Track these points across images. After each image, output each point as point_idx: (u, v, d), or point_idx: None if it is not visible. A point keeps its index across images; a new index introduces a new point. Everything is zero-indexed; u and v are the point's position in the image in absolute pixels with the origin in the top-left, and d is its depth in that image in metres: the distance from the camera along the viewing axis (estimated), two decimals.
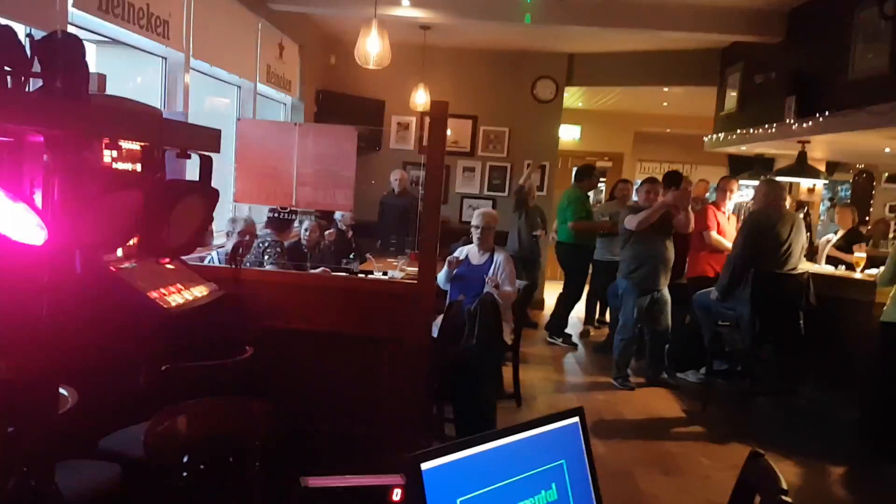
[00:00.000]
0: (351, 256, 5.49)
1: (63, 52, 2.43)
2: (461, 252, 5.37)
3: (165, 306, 3.07)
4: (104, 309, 2.91)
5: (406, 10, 6.54)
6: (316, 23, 8.09)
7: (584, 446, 1.61)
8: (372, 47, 4.93)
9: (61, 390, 2.25)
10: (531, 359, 6.77)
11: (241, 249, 4.06)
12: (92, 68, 2.60)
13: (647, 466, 4.48)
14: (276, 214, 4.79)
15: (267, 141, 3.74)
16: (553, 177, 9.41)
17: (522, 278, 6.05)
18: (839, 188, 9.53)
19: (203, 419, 2.64)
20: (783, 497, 1.53)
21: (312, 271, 4.82)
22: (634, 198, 7.71)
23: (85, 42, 3.57)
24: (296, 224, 5.60)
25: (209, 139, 2.82)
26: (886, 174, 6.37)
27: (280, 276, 4.09)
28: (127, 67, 5.07)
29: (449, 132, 9.15)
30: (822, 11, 5.92)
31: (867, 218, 8.28)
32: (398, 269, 5.50)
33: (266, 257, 4.44)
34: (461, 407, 4.33)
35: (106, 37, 4.27)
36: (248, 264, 4.39)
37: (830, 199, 9.37)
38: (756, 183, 9.00)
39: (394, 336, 3.72)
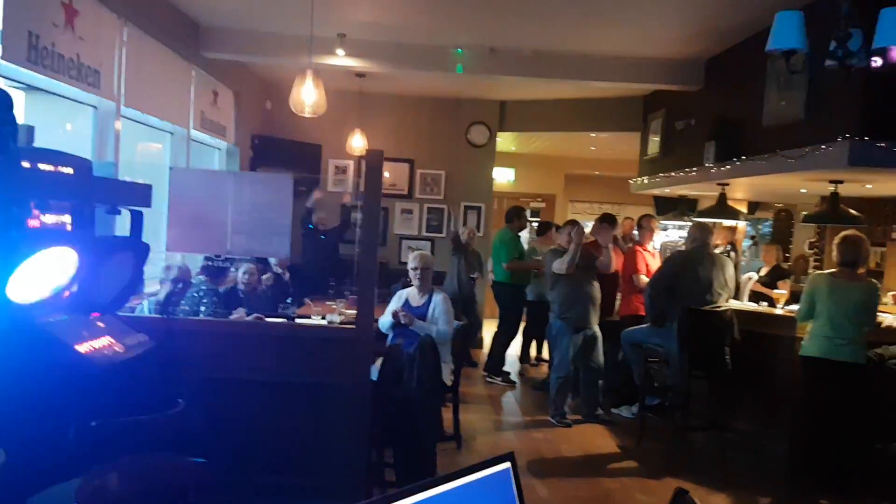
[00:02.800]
0: (288, 301, 5.45)
1: None
2: (400, 297, 5.40)
3: (94, 360, 3.01)
4: (32, 364, 2.84)
5: (341, 60, 6.66)
6: (251, 69, 8.13)
7: (515, 492, 1.64)
8: (307, 96, 5.00)
9: None
10: (470, 399, 6.80)
11: (173, 298, 4.00)
12: (20, 117, 2.57)
13: (585, 503, 4.55)
14: (211, 262, 4.75)
15: (201, 189, 3.74)
16: (489, 218, 9.60)
17: (461, 319, 6.12)
18: (760, 227, 10.00)
19: (135, 476, 2.58)
20: None
21: (247, 318, 4.77)
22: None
23: (13, 89, 3.52)
24: (232, 269, 5.55)
25: (140, 194, 2.81)
26: (804, 213, 6.73)
27: (214, 324, 4.05)
28: (56, 115, 5.00)
29: (387, 174, 9.36)
30: (737, 61, 6.30)
31: (788, 254, 8.70)
32: (336, 313, 5.49)
33: (202, 307, 4.38)
34: (401, 451, 4.32)
35: (39, 89, 4.22)
36: (181, 314, 4.33)
37: (752, 238, 9.81)
38: (679, 222, 9.42)
39: (332, 382, 3.71)
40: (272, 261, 6.73)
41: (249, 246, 3.76)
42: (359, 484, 3.80)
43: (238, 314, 4.78)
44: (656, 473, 5.14)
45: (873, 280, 4.84)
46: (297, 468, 3.66)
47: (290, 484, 3.60)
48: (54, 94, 4.43)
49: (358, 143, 8.00)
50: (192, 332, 3.64)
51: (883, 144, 4.26)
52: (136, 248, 2.71)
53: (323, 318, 5.40)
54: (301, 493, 3.59)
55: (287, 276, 6.90)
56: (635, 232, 8.28)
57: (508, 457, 1.66)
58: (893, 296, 5.85)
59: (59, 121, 5.05)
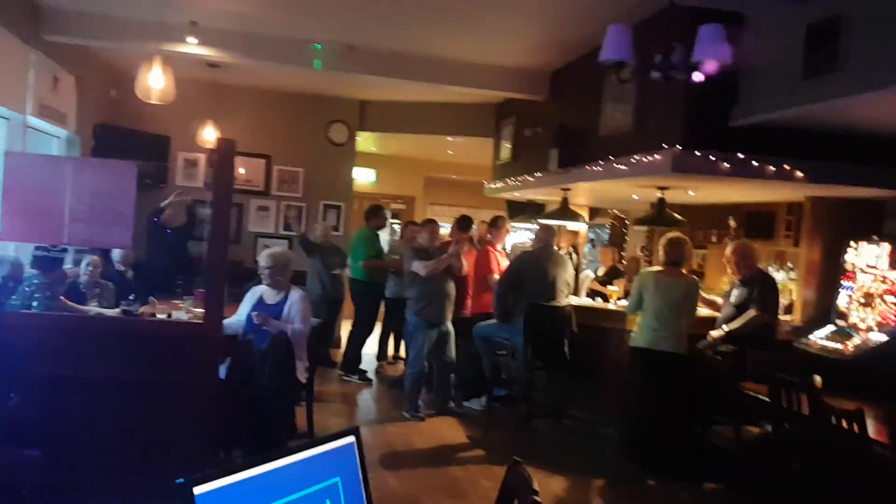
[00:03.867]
0: (131, 298, 5.21)
1: None
2: (254, 294, 5.32)
3: None
4: None
5: (193, 49, 6.46)
6: (96, 55, 7.70)
7: (359, 465, 1.72)
8: (155, 82, 4.83)
9: None
10: (326, 397, 6.82)
11: (4, 291, 3.76)
12: None
13: (434, 493, 4.71)
14: (44, 253, 4.45)
15: (38, 175, 3.54)
16: (349, 217, 9.62)
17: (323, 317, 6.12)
18: (601, 231, 10.71)
19: None
20: (535, 498, 1.76)
21: (88, 313, 4.55)
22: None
23: None
24: (67, 264, 5.25)
25: None
26: (636, 218, 7.32)
27: (49, 319, 3.84)
28: None
29: (242, 170, 9.14)
30: (579, 74, 6.75)
31: (622, 256, 9.39)
32: (184, 311, 5.33)
33: (34, 301, 4.12)
34: (251, 451, 4.28)
35: None
36: (10, 308, 4.06)
37: (591, 241, 10.50)
38: (528, 225, 9.91)
39: (177, 380, 3.62)
40: (116, 257, 6.42)
41: (89, 236, 3.59)
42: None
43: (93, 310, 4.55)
44: (502, 461, 5.34)
45: (694, 277, 5.35)
46: (141, 468, 3.54)
47: (133, 485, 3.48)
48: None
49: (210, 135, 7.78)
50: (25, 326, 3.44)
51: (699, 154, 4.73)
52: None
53: (169, 315, 5.23)
54: (145, 494, 3.48)
55: (130, 273, 6.61)
56: (489, 235, 8.64)
57: (354, 431, 1.75)
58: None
59: None
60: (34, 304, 4.13)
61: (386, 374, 8.14)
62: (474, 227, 7.73)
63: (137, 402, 3.61)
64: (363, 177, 11.72)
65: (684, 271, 5.32)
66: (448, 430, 6.12)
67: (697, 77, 3.26)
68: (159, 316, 5.08)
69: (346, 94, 9.28)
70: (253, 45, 6.81)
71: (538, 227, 6.54)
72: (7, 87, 5.71)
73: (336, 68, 7.07)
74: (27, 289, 4.18)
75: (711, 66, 3.21)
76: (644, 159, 5.02)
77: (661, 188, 5.98)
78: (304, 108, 9.33)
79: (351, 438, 1.74)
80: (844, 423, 3.54)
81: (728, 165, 4.71)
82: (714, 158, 4.70)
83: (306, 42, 6.80)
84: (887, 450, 3.42)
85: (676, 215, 6.27)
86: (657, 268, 5.41)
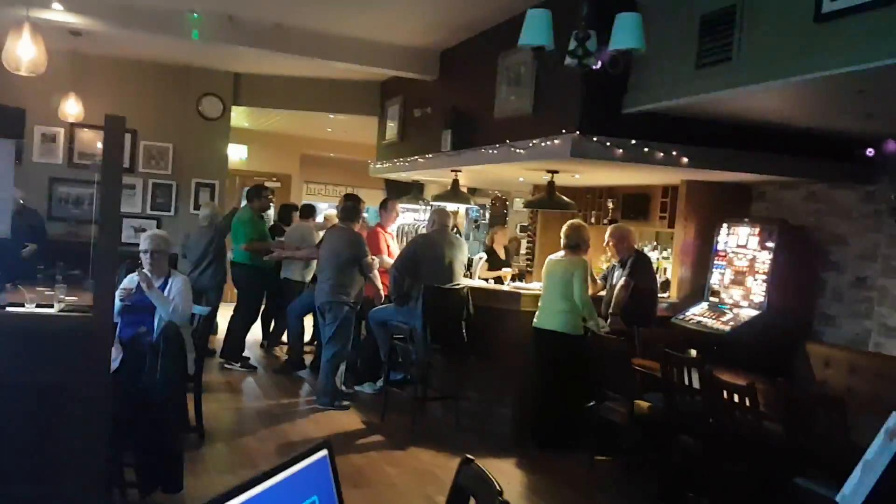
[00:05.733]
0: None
1: None
2: (130, 280, 4.94)
3: None
4: None
5: (59, 15, 5.86)
6: None
7: (333, 479, 1.63)
8: (24, 52, 4.32)
9: None
10: (210, 387, 6.47)
11: None
12: None
13: None
14: None
15: None
16: (224, 196, 9.16)
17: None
18: (483, 211, 10.90)
19: None
20: (500, 498, 1.72)
21: None
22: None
23: None
24: None
25: None
26: (525, 200, 7.49)
27: None
28: None
29: (100, 144, 8.41)
30: (470, 55, 6.75)
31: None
32: (56, 301, 4.85)
33: None
34: (143, 449, 3.99)
35: None
36: None
37: (475, 221, 10.65)
38: (413, 206, 9.89)
39: (62, 380, 3.30)
40: None
41: None
42: (97, 486, 3.44)
43: None
44: (401, 445, 5.40)
45: (583, 258, 5.53)
46: (27, 476, 3.21)
47: (20, 493, 3.15)
48: None
49: (72, 108, 7.12)
50: None
51: (596, 139, 4.88)
52: None
53: (38, 305, 4.74)
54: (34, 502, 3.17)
55: None
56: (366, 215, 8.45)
57: (326, 444, 1.65)
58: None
59: None
60: None
61: (268, 360, 7.88)
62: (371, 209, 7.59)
63: (21, 406, 3.25)
64: (234, 153, 11.20)
65: (582, 253, 5.50)
66: (343, 417, 6.02)
67: (614, 65, 3.30)
68: (28, 306, 4.60)
69: (220, 66, 8.80)
70: (125, 13, 6.26)
71: (434, 210, 6.52)
72: None
73: (214, 40, 6.66)
74: None
75: (627, 55, 3.27)
76: (543, 144, 5.10)
77: (552, 171, 6.13)
78: (173, 80, 8.76)
79: (324, 452, 1.65)
80: (736, 398, 3.79)
81: (622, 151, 4.89)
82: (609, 144, 4.86)
83: (182, 11, 6.34)
84: (777, 424, 3.70)
85: (565, 198, 6.45)
86: (559, 252, 5.56)
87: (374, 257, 6.44)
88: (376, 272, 6.33)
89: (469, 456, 2.01)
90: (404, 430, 5.69)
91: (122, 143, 3.47)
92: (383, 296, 6.45)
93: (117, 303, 4.70)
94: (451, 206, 8.48)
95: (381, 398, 6.19)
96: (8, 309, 4.35)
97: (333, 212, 7.79)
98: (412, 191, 9.19)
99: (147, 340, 4.36)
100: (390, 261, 6.51)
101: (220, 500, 1.27)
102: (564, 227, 5.50)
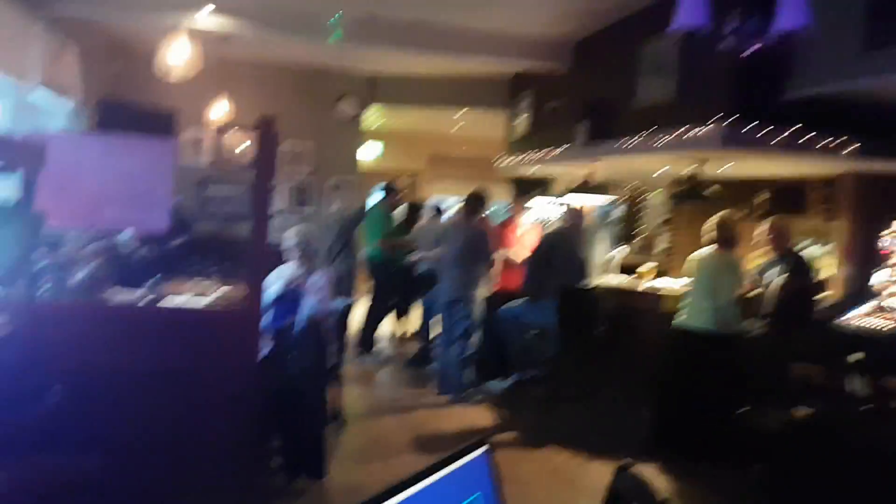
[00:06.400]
0: (157, 277, 5.01)
1: None
2: (279, 272, 5.12)
3: None
4: None
5: (208, 21, 6.17)
6: (101, 27, 7.37)
7: (493, 476, 1.57)
8: (178, 58, 4.56)
9: None
10: (345, 377, 6.65)
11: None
12: None
13: None
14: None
15: (69, 156, 3.30)
16: (357, 193, 9.39)
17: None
18: (607, 205, 10.49)
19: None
20: None
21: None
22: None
23: None
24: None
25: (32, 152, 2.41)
26: (673, 193, 7.11)
27: (79, 307, 3.62)
28: None
29: (244, 146, 8.84)
30: (609, 43, 6.51)
31: (638, 232, 9.23)
32: (210, 293, 5.12)
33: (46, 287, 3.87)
34: (291, 436, 4.13)
35: None
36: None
37: (609, 216, 10.28)
38: (544, 201, 9.70)
39: (212, 368, 3.44)
40: (127, 237, 6.15)
41: (126, 218, 3.38)
42: (244, 470, 3.57)
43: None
44: (534, 444, 5.28)
45: (736, 254, 5.19)
46: (179, 458, 3.37)
47: (172, 475, 3.31)
48: None
49: (219, 111, 7.51)
50: (56, 317, 3.23)
51: (751, 127, 4.54)
52: (25, 217, 2.32)
53: (195, 296, 5.02)
54: (182, 483, 3.32)
55: (144, 251, 6.35)
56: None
57: (483, 442, 1.58)
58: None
59: None
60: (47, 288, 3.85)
61: (402, 353, 7.98)
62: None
63: (174, 395, 3.42)
64: (368, 152, 11.47)
65: (735, 250, 5.16)
66: (472, 413, 5.97)
67: (775, 47, 3.04)
68: (185, 296, 4.88)
69: (357, 67, 9.01)
70: (270, 17, 6.52)
71: (567, 207, 6.36)
72: (12, 58, 5.42)
73: (353, 39, 6.80)
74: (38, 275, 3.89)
75: (790, 35, 3.00)
76: (690, 132, 4.82)
77: (699, 163, 5.78)
78: (313, 81, 9.08)
79: (484, 449, 1.58)
80: None
81: (781, 139, 4.53)
82: (766, 132, 4.51)
83: (323, 13, 6.52)
84: None
85: (712, 191, 6.07)
86: (708, 248, 5.25)
87: (500, 252, 6.38)
88: (498, 268, 6.26)
89: (629, 460, 1.89)
90: (536, 429, 5.57)
91: (274, 143, 3.57)
92: (509, 291, 6.35)
93: (267, 295, 4.92)
94: (584, 201, 8.26)
95: (512, 395, 6.10)
96: (162, 302, 4.63)
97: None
98: (541, 186, 9.01)
99: (292, 332, 4.49)
100: (518, 257, 6.42)
101: (384, 496, 1.24)
102: (715, 221, 5.15)
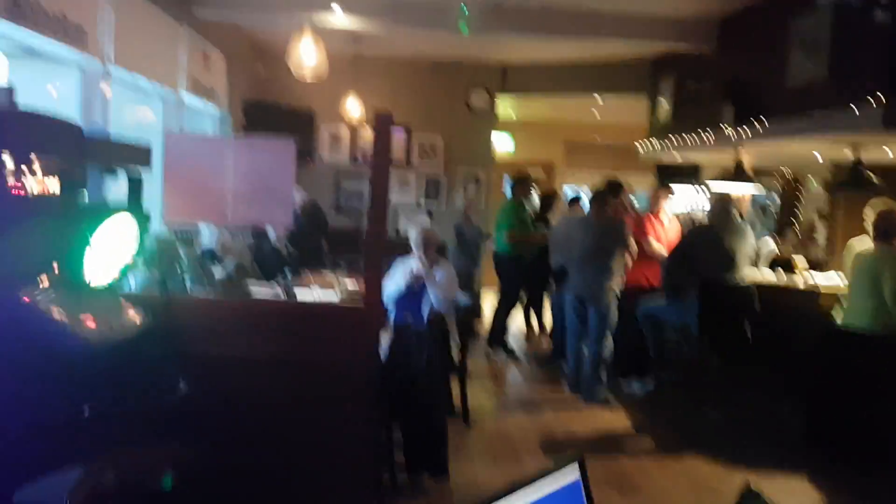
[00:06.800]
0: (286, 272, 5.19)
1: None
2: (404, 265, 5.14)
3: (87, 338, 2.76)
4: (15, 343, 2.59)
5: (337, 18, 6.30)
6: (243, 31, 7.76)
7: (586, 499, 1.43)
8: (307, 57, 4.67)
9: None
10: (472, 374, 6.59)
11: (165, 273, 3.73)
12: (3, 82, 2.28)
13: (602, 486, 4.34)
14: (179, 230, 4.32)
15: (198, 156, 3.45)
16: (489, 186, 9.32)
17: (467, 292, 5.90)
18: (760, 196, 9.74)
19: (123, 469, 2.34)
20: None
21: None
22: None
23: None
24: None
25: (138, 155, 2.52)
26: (835, 183, 6.49)
27: (210, 302, 3.77)
28: (38, 79, 4.64)
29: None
30: (756, 20, 6.01)
31: (795, 222, 8.49)
32: (338, 285, 5.23)
33: (188, 283, 4.08)
34: (411, 432, 4.11)
35: (16, 42, 3.87)
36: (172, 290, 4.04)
37: (763, 207, 9.56)
38: (689, 190, 9.17)
39: (338, 360, 3.48)
40: (272, 233, 6.44)
41: (251, 215, 3.49)
42: (367, 463, 3.59)
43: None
44: (673, 450, 4.97)
45: None
46: (303, 448, 3.43)
47: (296, 465, 3.38)
48: (38, 53, 4.09)
49: (353, 108, 7.68)
50: (189, 309, 3.38)
51: None
52: (135, 217, 2.43)
53: (322, 289, 5.15)
54: (305, 475, 3.38)
55: (287, 249, 6.62)
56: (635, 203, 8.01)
57: (577, 459, 1.44)
58: None
59: (41, 87, 4.69)
60: (188, 284, 4.08)
61: (533, 350, 7.83)
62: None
63: (298, 385, 3.50)
64: (500, 144, 11.38)
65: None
66: (607, 414, 5.72)
67: None
68: (314, 289, 5.01)
69: (487, 57, 8.92)
70: (396, 11, 6.56)
71: (714, 197, 5.94)
72: (161, 64, 5.78)
73: (482, 29, 6.70)
74: (180, 271, 4.13)
75: None
76: (845, 113, 4.32)
77: (854, 147, 5.21)
78: (443, 75, 9.07)
79: (576, 473, 1.43)
80: None
81: None
82: None
83: (450, 4, 6.47)
84: None
85: (874, 177, 5.46)
86: (867, 243, 4.72)
87: (638, 245, 6.04)
88: (635, 262, 5.91)
89: (753, 489, 1.66)
90: (676, 435, 5.24)
91: (389, 138, 3.54)
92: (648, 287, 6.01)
93: (392, 289, 4.96)
94: (733, 190, 7.71)
95: (649, 397, 5.79)
96: (294, 295, 4.78)
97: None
98: (687, 174, 8.51)
99: (413, 327, 4.48)
100: (657, 245, 6.05)
101: None
102: (876, 213, 4.61)
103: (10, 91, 2.64)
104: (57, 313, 2.78)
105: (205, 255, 4.46)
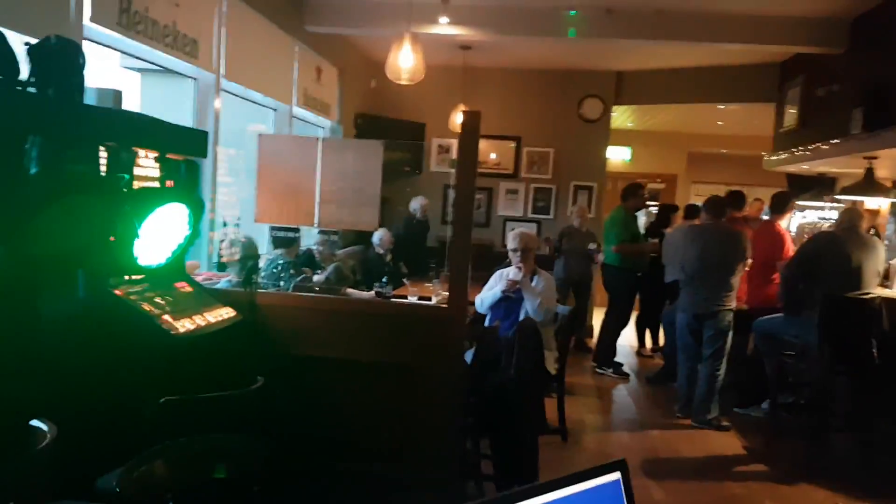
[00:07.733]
0: (384, 280, 5.22)
1: (57, 59, 2.30)
2: (501, 276, 5.05)
3: (173, 332, 2.87)
4: (106, 335, 2.72)
5: (444, 28, 6.33)
6: (355, 46, 7.98)
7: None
8: (404, 61, 4.71)
9: (38, 424, 2.04)
10: (578, 390, 6.38)
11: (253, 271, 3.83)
12: (135, 96, 2.44)
13: None
14: (283, 234, 4.43)
15: (289, 157, 3.53)
16: (602, 199, 9.04)
17: (568, 303, 5.71)
18: None
19: (192, 459, 2.38)
20: None
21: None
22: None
23: (131, 71, 3.38)
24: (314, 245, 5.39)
25: (193, 141, 2.59)
26: None
27: (297, 299, 3.84)
28: (171, 94, 4.95)
29: (493, 155, 8.99)
30: (891, 18, 5.49)
31: None
32: (435, 294, 5.22)
33: (282, 281, 4.19)
34: (499, 443, 3.99)
35: (131, 55, 4.15)
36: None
37: None
38: (817, 203, 8.51)
39: (422, 364, 3.44)
40: (375, 241, 6.54)
41: (338, 217, 3.53)
42: (452, 475, 3.51)
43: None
44: (789, 478, 4.56)
45: None
46: (383, 454, 3.41)
47: (374, 471, 3.35)
48: (157, 66, 4.37)
49: (462, 120, 7.68)
50: (275, 306, 3.45)
51: None
52: (193, 203, 2.50)
53: (419, 298, 5.14)
54: (387, 483, 3.34)
55: (389, 256, 6.71)
56: (764, 216, 7.49)
57: (619, 465, 1.31)
58: None
59: (172, 101, 4.98)
60: (282, 283, 4.20)
61: (643, 369, 7.47)
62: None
63: (382, 386, 3.49)
64: (616, 155, 11.05)
65: None
66: (720, 439, 5.34)
67: None
68: (410, 298, 5.01)
69: (601, 66, 8.68)
70: (504, 19, 6.50)
71: (842, 208, 5.45)
72: (275, 79, 6.03)
73: (592, 35, 6.53)
74: (275, 270, 4.26)
75: None
76: None
77: None
78: (554, 84, 8.90)
79: (616, 474, 1.30)
80: None
81: None
82: None
83: (560, 10, 6.34)
84: None
85: None
86: None
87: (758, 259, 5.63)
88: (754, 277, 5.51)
89: None
90: (794, 462, 4.81)
91: (476, 138, 3.49)
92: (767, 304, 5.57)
93: (488, 294, 4.89)
94: (864, 201, 7.06)
95: (765, 420, 5.36)
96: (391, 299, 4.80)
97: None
98: (818, 186, 7.90)
99: (502, 332, 4.37)
100: (779, 264, 5.61)
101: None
102: None
103: (117, 94, 2.82)
104: (147, 306, 2.92)
105: (300, 258, 4.57)
